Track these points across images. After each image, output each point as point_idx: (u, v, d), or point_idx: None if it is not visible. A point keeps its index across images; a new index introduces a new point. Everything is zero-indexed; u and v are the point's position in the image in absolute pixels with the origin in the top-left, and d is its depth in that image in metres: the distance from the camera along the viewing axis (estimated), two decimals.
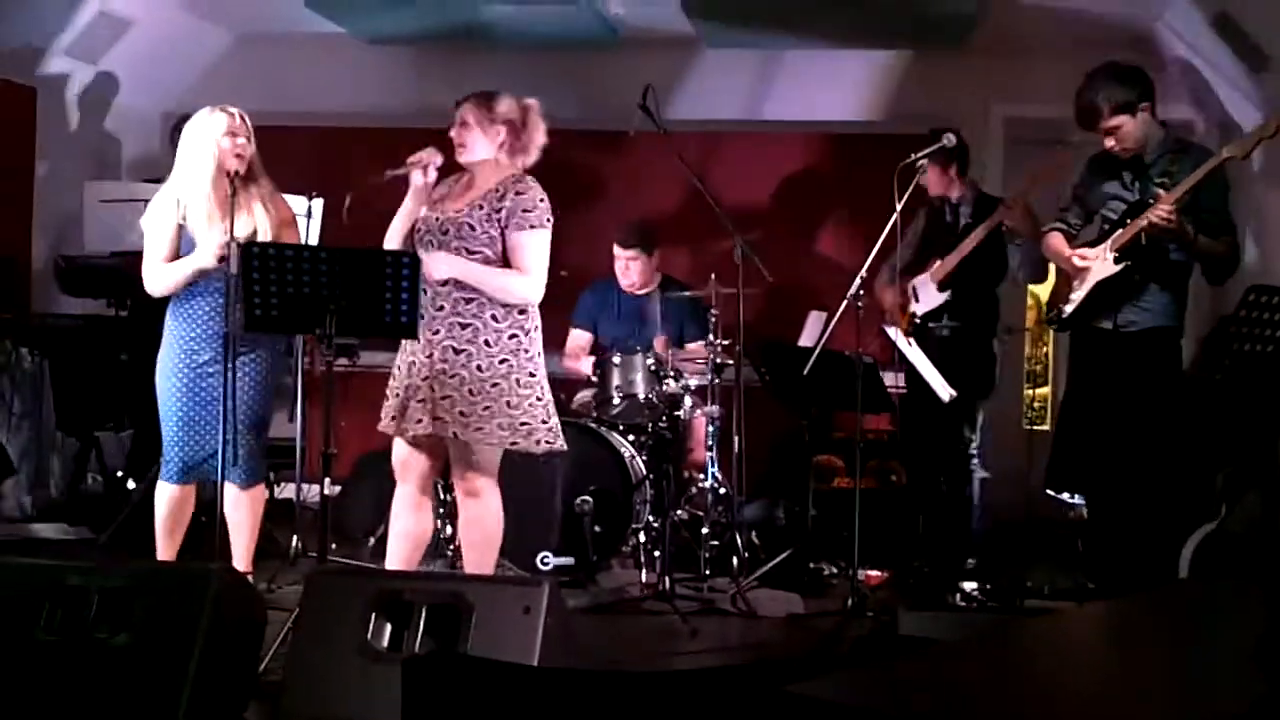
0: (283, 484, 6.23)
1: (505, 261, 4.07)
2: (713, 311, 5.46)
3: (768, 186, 7.06)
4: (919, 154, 4.78)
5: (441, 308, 4.05)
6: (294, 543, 5.07)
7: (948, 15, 6.33)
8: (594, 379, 5.61)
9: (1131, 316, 4.54)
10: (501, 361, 4.04)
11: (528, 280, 4.07)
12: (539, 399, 4.11)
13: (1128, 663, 2.18)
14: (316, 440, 4.37)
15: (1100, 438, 4.60)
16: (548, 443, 4.13)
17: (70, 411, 6.03)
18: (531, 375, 4.10)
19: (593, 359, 5.91)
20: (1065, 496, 5.60)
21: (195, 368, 4.30)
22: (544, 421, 4.10)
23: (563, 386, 6.24)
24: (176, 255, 4.31)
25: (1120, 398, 4.53)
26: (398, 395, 4.11)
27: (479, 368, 4.02)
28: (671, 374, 5.46)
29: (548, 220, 4.12)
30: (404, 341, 4.12)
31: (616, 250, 6.10)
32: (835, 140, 7.10)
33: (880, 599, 4.85)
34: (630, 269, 6.07)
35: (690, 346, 5.92)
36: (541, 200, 4.12)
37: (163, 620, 3.09)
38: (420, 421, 4.02)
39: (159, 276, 4.32)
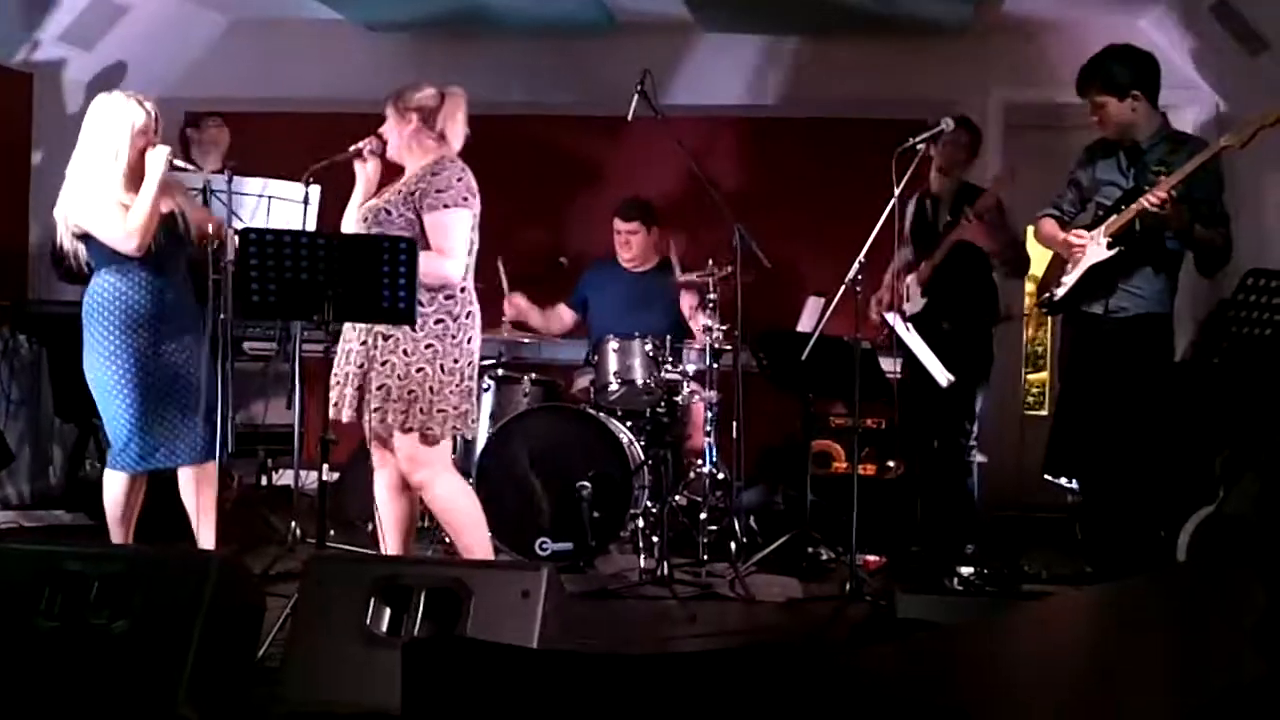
0: (281, 470, 6.24)
1: (426, 245, 4.03)
2: (710, 296, 5.46)
3: (765, 172, 7.05)
4: (917, 138, 4.78)
5: None
6: (292, 528, 5.07)
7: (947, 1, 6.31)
8: (591, 361, 5.62)
9: (1123, 302, 4.54)
10: (427, 346, 4.05)
11: (445, 260, 4.04)
12: (458, 386, 4.08)
13: (1125, 646, 2.18)
14: (314, 426, 4.37)
15: (1093, 423, 4.61)
16: (460, 431, 4.18)
17: (68, 398, 6.01)
18: (455, 362, 4.07)
19: (562, 329, 6.00)
20: (1063, 481, 5.61)
21: (142, 353, 4.30)
22: (457, 409, 4.09)
23: (561, 373, 6.27)
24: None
25: (1110, 383, 4.54)
26: (337, 382, 4.15)
27: (405, 352, 4.03)
28: (670, 359, 5.46)
29: (465, 199, 4.09)
30: (344, 329, 4.15)
31: (616, 224, 6.11)
32: (833, 125, 7.09)
33: (878, 584, 4.85)
34: (631, 243, 6.08)
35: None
36: (459, 179, 4.10)
37: (162, 606, 3.10)
38: (345, 409, 4.07)
39: (132, 220, 4.24)
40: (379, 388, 4.02)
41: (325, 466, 3.87)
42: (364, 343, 4.06)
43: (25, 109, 6.57)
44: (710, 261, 5.48)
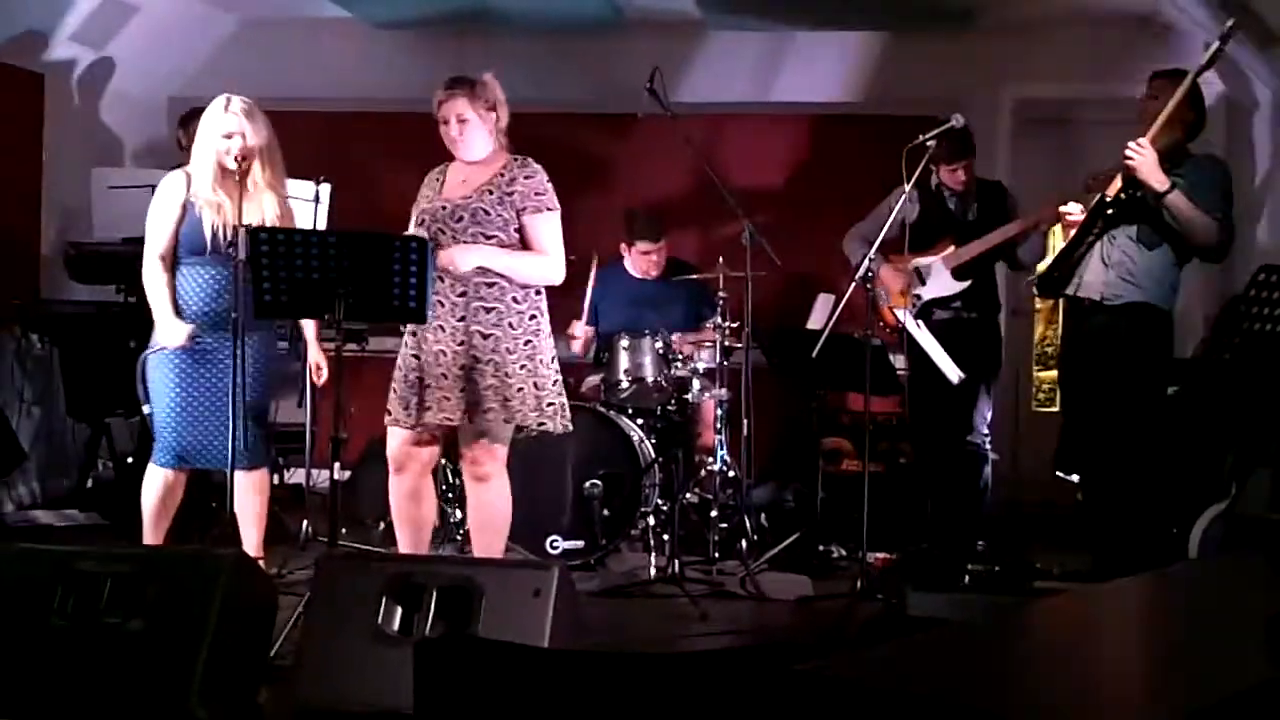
0: (292, 469, 6.26)
1: (520, 245, 4.08)
2: (720, 295, 5.45)
3: (775, 169, 7.05)
4: (927, 135, 4.76)
5: (464, 293, 4.05)
6: (304, 527, 5.08)
7: None
8: (602, 360, 5.61)
9: (1117, 290, 4.52)
10: (526, 343, 4.08)
11: (551, 261, 4.10)
12: (558, 379, 4.17)
13: (1136, 643, 2.18)
14: (326, 425, 4.37)
15: (1094, 417, 4.60)
16: (566, 423, 4.17)
17: (81, 398, 6.04)
18: (552, 356, 4.16)
19: (587, 343, 5.98)
20: (1074, 478, 5.60)
21: (188, 352, 4.30)
22: (565, 402, 4.17)
23: (571, 371, 6.26)
24: (176, 239, 4.30)
25: (1104, 373, 4.52)
26: (413, 386, 4.09)
27: (508, 350, 4.04)
28: (680, 358, 5.46)
29: (556, 202, 4.15)
30: (411, 331, 4.13)
31: (641, 245, 6.03)
32: (842, 122, 7.08)
33: (889, 581, 4.85)
34: (661, 260, 6.05)
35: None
36: (548, 182, 4.15)
37: (174, 605, 3.10)
38: (445, 412, 4.03)
39: (151, 279, 4.31)
40: (487, 387, 4.01)
41: (337, 465, 3.88)
42: (460, 343, 4.03)
43: (36, 109, 6.59)
44: (720, 260, 5.47)
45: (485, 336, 4.03)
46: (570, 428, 4.21)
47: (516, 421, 4.06)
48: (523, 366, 4.06)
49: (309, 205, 5.39)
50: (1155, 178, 4.32)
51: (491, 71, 4.21)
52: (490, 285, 4.05)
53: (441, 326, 4.04)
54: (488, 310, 4.04)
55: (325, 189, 5.42)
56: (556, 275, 4.13)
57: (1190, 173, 4.42)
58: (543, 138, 7.17)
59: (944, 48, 6.73)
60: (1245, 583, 2.65)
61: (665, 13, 6.68)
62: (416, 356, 4.11)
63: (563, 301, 6.42)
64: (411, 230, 4.17)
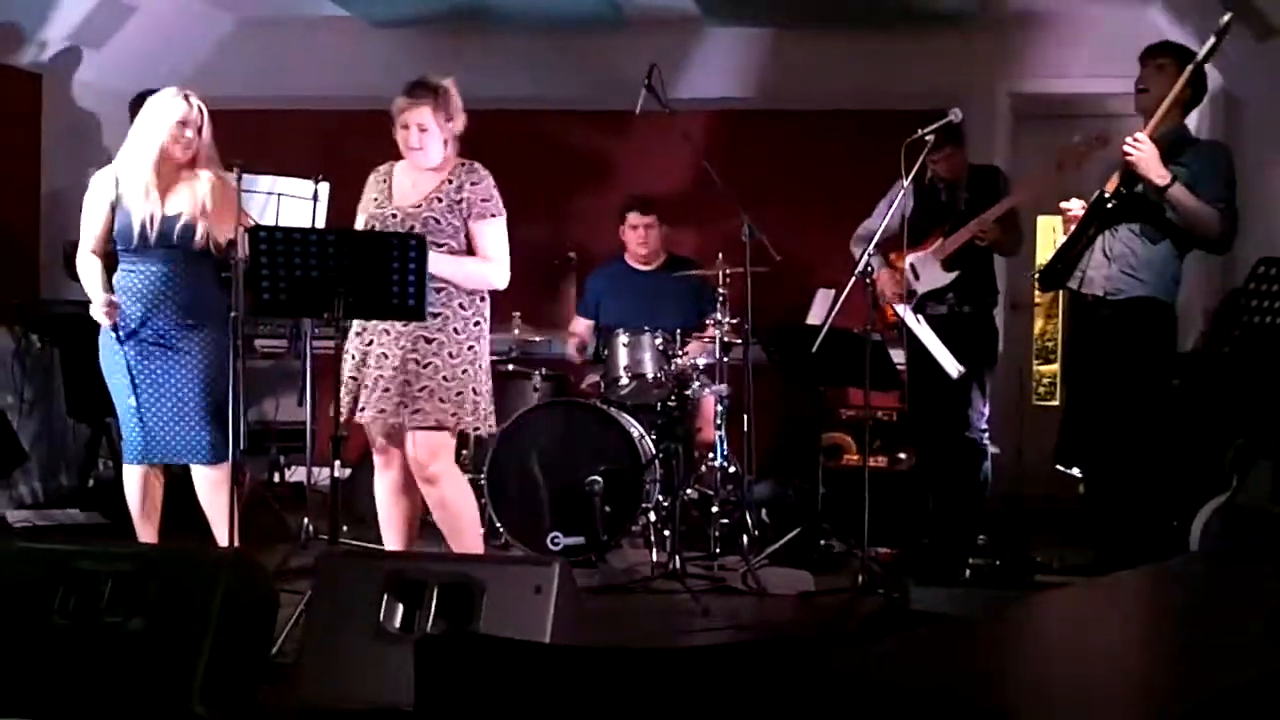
0: (293, 467, 6.26)
1: (468, 251, 4.16)
2: (720, 291, 5.45)
3: (773, 165, 7.04)
4: (926, 129, 4.76)
5: None
6: (305, 525, 5.09)
7: None
8: (602, 357, 5.62)
9: (1120, 285, 4.52)
10: (469, 348, 4.14)
11: (496, 267, 4.18)
12: (488, 384, 4.25)
13: (1137, 637, 2.18)
14: (326, 424, 4.37)
15: (1096, 411, 4.60)
16: (491, 427, 4.31)
17: (81, 398, 6.04)
18: (488, 361, 4.25)
19: (584, 341, 5.99)
20: (1075, 472, 5.60)
21: (137, 350, 4.30)
22: (493, 405, 4.27)
23: (571, 367, 6.27)
24: (110, 234, 4.31)
25: (1109, 368, 4.52)
26: (355, 382, 4.14)
27: (450, 354, 4.10)
28: (680, 354, 5.46)
29: (502, 207, 4.22)
30: (356, 328, 4.17)
31: (633, 218, 6.09)
32: (841, 118, 7.07)
33: (890, 576, 4.85)
34: (648, 237, 6.07)
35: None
36: (494, 187, 4.21)
37: (175, 604, 3.10)
38: (384, 411, 4.07)
39: (84, 268, 4.33)
40: (421, 389, 4.06)
41: (337, 463, 3.88)
42: (402, 346, 4.08)
43: (34, 109, 6.59)
44: (720, 256, 5.47)
45: (429, 340, 4.09)
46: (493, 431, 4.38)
47: (452, 425, 4.11)
48: (464, 370, 4.12)
49: (307, 203, 5.40)
50: (1156, 172, 4.31)
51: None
52: (438, 291, 4.08)
53: (387, 330, 4.11)
54: (434, 315, 4.07)
55: (324, 187, 5.43)
56: (501, 280, 4.21)
57: (1192, 161, 4.42)
58: (541, 135, 7.22)
59: (941, 44, 6.72)
60: (1245, 575, 2.65)
61: (663, 10, 6.67)
62: (354, 354, 4.16)
63: (562, 305, 6.47)
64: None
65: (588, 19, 6.78)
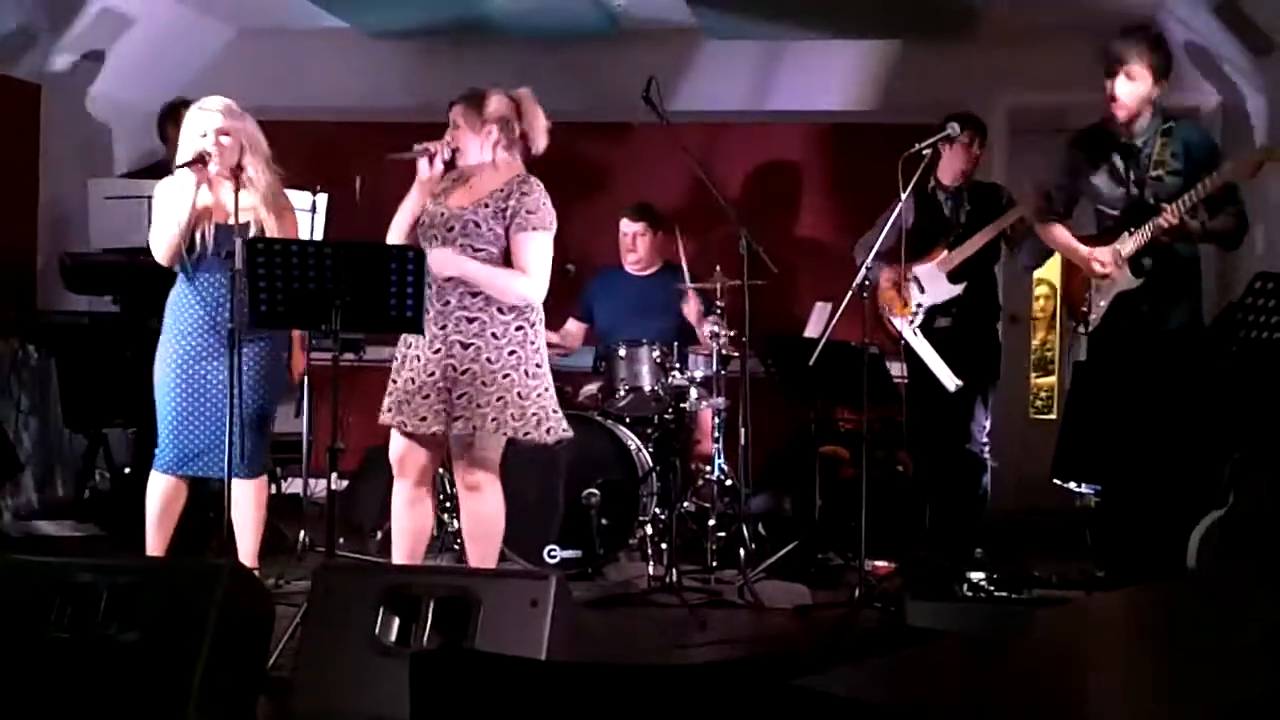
0: (289, 479, 6.25)
1: (507, 260, 4.09)
2: (717, 303, 5.45)
3: (771, 177, 7.05)
4: (923, 143, 4.77)
5: (448, 302, 4.06)
6: (301, 537, 5.08)
7: (950, 4, 6.31)
8: (599, 369, 5.61)
9: (1156, 316, 4.56)
10: (510, 354, 4.07)
11: (529, 281, 4.09)
12: (546, 389, 4.14)
13: (1136, 655, 2.18)
14: (323, 435, 4.37)
15: (1113, 429, 4.59)
16: (558, 432, 4.16)
17: (78, 409, 6.03)
18: (538, 366, 4.13)
19: (566, 344, 5.99)
20: (1073, 486, 5.60)
21: (190, 358, 4.29)
22: (554, 411, 4.15)
23: (568, 379, 6.27)
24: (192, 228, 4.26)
25: (1149, 391, 4.53)
26: (399, 388, 4.12)
27: (489, 360, 4.04)
28: (677, 365, 5.46)
29: (551, 223, 4.15)
30: (405, 334, 4.13)
31: (624, 225, 6.09)
32: (838, 130, 7.09)
33: (888, 589, 4.84)
34: (638, 244, 6.07)
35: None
36: (545, 203, 4.15)
37: (171, 616, 3.09)
38: (425, 419, 4.04)
39: (160, 234, 4.25)
40: (460, 395, 4.02)
41: (334, 475, 3.88)
42: (438, 351, 4.05)
43: (33, 120, 6.58)
44: (718, 269, 5.48)
45: (465, 346, 4.04)
46: (565, 436, 4.20)
47: (494, 431, 4.04)
48: (505, 376, 4.04)
49: (305, 215, 5.40)
50: (1194, 235, 4.43)
51: (495, 83, 4.23)
52: (475, 295, 4.06)
53: (425, 334, 4.06)
54: (470, 320, 4.05)
55: (322, 199, 5.43)
56: (532, 294, 4.12)
57: (1181, 133, 4.45)
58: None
59: (939, 56, 6.73)
60: (1242, 592, 2.65)
61: (661, 22, 6.69)
62: (403, 359, 4.14)
63: (561, 319, 6.46)
64: (400, 232, 4.17)
65: (586, 31, 6.79)
